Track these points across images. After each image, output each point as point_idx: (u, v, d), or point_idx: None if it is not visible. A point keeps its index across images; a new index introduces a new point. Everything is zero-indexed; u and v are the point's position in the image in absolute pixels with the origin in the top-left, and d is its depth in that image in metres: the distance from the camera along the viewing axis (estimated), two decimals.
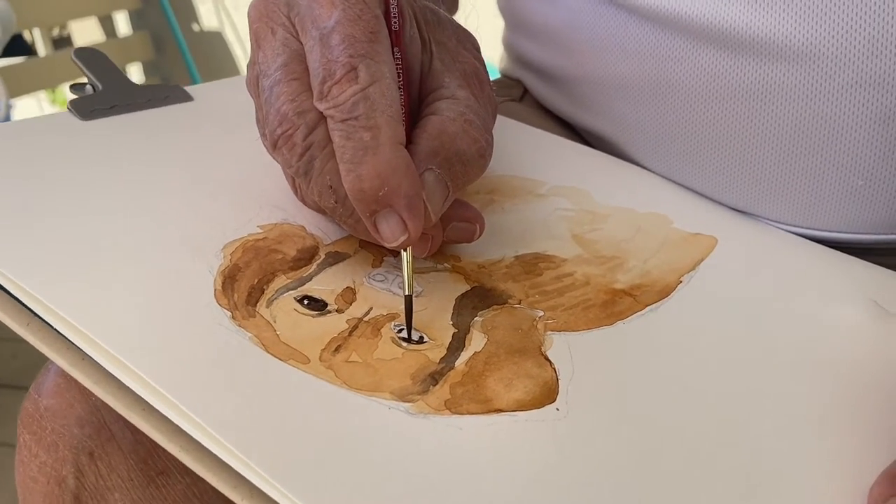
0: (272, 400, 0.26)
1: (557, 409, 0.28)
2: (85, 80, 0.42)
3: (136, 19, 2.35)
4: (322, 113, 0.29)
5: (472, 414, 0.27)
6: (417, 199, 0.29)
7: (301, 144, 0.29)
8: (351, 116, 0.28)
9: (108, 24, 2.38)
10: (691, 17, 0.39)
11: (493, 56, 0.54)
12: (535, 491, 0.25)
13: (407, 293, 0.30)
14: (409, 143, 0.30)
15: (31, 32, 2.20)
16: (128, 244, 0.31)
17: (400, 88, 0.31)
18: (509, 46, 0.55)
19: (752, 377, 0.31)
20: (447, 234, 0.34)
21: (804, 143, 0.39)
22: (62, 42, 2.53)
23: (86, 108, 0.39)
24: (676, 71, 0.41)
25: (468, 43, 0.34)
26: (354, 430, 0.25)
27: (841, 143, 0.38)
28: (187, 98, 0.43)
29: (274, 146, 0.30)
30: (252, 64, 0.32)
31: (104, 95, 0.41)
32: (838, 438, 0.29)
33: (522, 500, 0.24)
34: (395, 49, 0.31)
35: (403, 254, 0.31)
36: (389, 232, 0.29)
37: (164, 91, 0.43)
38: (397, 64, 0.31)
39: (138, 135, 0.39)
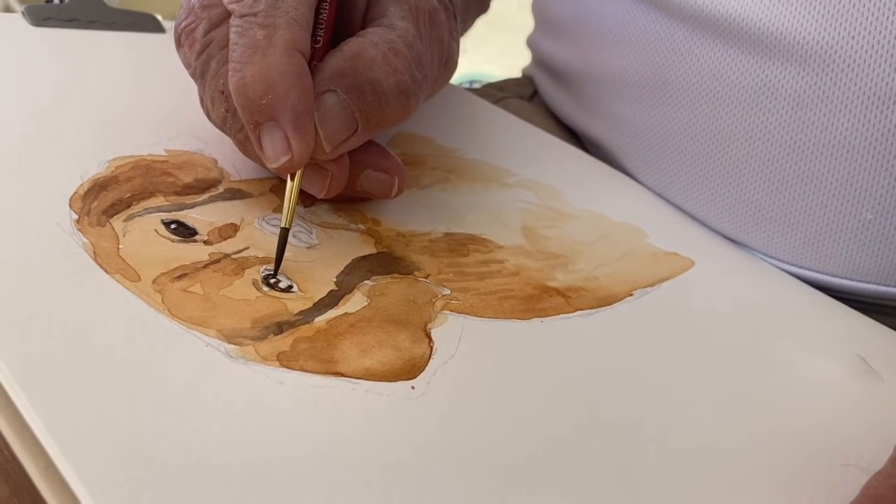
0: (67, 310, 0.22)
1: (413, 388, 0.23)
2: None
3: None
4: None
5: (306, 372, 0.23)
6: (305, 117, 0.25)
7: (201, 41, 0.27)
8: (250, 12, 0.25)
9: None
10: (700, 4, 0.34)
11: None
12: (336, 466, 0.20)
13: (284, 225, 0.26)
14: (320, 61, 0.27)
15: None
16: (9, 143, 0.28)
17: (325, 1, 0.27)
18: (532, 47, 0.52)
19: (666, 413, 0.26)
20: (361, 183, 0.30)
21: (807, 160, 0.33)
22: None
23: (40, 14, 0.37)
24: (678, 66, 0.36)
25: None
26: (148, 360, 0.21)
27: (849, 164, 0.32)
28: (159, 30, 0.41)
29: (178, 43, 0.28)
30: None
31: (67, 7, 0.39)
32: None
33: (318, 473, 0.20)
34: None
35: (289, 182, 0.27)
36: (272, 149, 0.25)
37: (135, 17, 0.41)
38: None
39: (85, 49, 0.37)
